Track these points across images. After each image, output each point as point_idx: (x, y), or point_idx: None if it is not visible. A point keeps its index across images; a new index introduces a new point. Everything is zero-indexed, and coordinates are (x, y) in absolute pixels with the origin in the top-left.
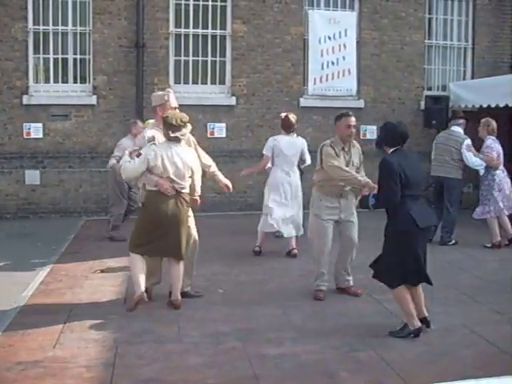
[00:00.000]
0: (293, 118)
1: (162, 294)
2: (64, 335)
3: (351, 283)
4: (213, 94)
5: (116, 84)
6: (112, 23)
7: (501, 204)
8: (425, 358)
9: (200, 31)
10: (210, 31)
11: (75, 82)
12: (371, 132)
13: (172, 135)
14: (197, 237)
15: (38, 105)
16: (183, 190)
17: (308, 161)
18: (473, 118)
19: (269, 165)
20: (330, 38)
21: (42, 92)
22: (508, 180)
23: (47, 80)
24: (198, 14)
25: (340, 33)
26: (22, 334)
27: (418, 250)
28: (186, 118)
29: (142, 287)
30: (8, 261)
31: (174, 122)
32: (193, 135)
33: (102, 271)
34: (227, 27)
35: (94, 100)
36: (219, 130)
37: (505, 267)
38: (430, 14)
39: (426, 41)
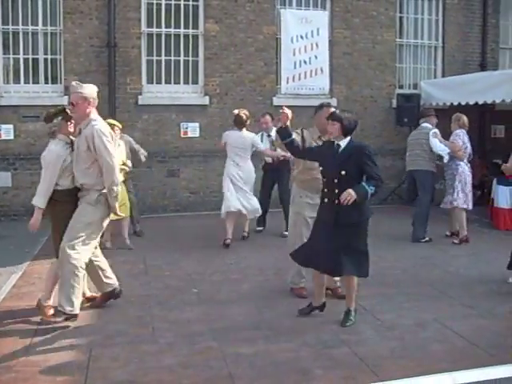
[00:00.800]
0: (244, 114)
1: (137, 295)
2: (37, 339)
3: (338, 284)
4: (186, 93)
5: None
6: (83, 23)
7: (460, 195)
8: (398, 353)
9: (172, 31)
10: (182, 31)
11: (46, 82)
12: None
13: None
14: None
15: (8, 106)
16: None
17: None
18: (443, 115)
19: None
20: (302, 37)
21: (13, 93)
22: (470, 174)
23: (17, 81)
24: (170, 13)
25: (312, 32)
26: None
27: None
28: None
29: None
30: None
31: None
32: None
33: None
34: (199, 27)
35: (65, 101)
36: (193, 129)
37: (476, 262)
38: (401, 13)
39: (397, 39)
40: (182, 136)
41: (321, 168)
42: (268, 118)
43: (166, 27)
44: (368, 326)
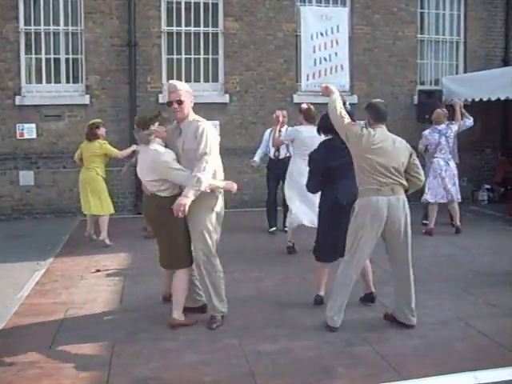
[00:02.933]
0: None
1: (159, 292)
2: (60, 335)
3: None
4: (206, 91)
5: (109, 83)
6: (104, 22)
7: (427, 190)
8: (420, 351)
9: (192, 29)
10: (202, 29)
11: (68, 81)
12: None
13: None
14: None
15: (30, 105)
16: (159, 193)
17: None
18: (466, 111)
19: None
20: (322, 34)
21: (35, 92)
22: (449, 168)
23: (40, 80)
24: (190, 11)
25: (332, 29)
26: (18, 334)
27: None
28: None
29: None
30: (3, 262)
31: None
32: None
33: (98, 270)
34: (219, 25)
35: (86, 100)
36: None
37: (500, 260)
38: (421, 8)
39: (419, 35)
40: None
41: None
42: (285, 112)
43: (185, 26)
44: (390, 324)
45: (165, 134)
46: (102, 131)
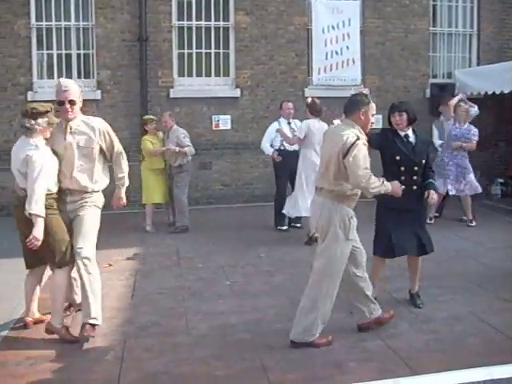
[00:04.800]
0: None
1: (171, 286)
2: (72, 329)
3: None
4: (217, 86)
5: (120, 78)
6: (115, 17)
7: None
8: (432, 346)
9: (203, 23)
10: (212, 23)
11: (79, 77)
12: (376, 121)
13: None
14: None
15: (42, 101)
16: None
17: None
18: (479, 105)
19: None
20: (333, 27)
21: (47, 88)
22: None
23: (51, 76)
24: (201, 6)
25: (344, 22)
26: (30, 329)
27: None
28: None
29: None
30: (13, 257)
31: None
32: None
33: (110, 265)
34: (230, 19)
35: (98, 95)
36: (224, 122)
37: None
38: (434, 1)
39: (431, 28)
40: (214, 128)
41: (397, 157)
42: (291, 104)
43: (196, 20)
44: (402, 319)
45: (48, 135)
46: None
